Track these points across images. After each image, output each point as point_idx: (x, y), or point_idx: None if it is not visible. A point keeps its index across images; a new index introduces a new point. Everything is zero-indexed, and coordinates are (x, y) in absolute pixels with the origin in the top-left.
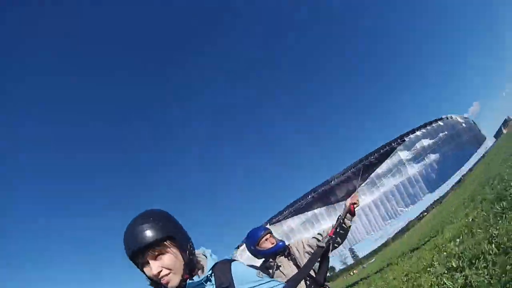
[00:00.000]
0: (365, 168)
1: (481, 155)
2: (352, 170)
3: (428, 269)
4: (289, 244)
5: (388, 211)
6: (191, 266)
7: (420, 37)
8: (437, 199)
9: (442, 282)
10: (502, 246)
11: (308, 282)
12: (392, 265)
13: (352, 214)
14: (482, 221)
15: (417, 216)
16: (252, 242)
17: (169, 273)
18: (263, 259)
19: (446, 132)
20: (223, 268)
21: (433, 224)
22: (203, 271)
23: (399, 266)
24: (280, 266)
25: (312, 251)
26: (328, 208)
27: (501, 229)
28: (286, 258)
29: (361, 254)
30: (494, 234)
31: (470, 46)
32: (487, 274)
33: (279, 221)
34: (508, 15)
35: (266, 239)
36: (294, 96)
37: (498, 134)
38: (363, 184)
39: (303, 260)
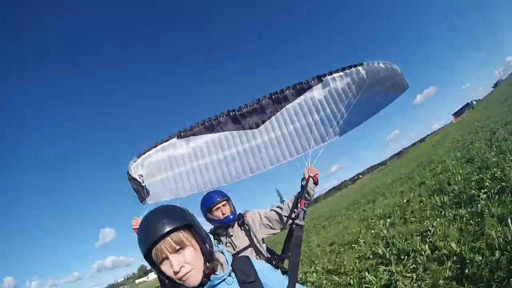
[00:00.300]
0: (278, 101)
1: (430, 132)
2: (267, 101)
3: (354, 245)
4: (244, 214)
5: (296, 147)
6: (211, 260)
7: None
8: (374, 165)
9: (364, 275)
10: (437, 251)
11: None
12: (319, 227)
13: (316, 183)
14: (418, 209)
15: (351, 178)
16: (205, 207)
17: (190, 270)
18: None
19: (365, 77)
20: (243, 263)
21: (366, 190)
22: (222, 267)
23: (325, 231)
24: (232, 235)
25: (270, 224)
26: (239, 133)
27: (438, 229)
28: (239, 228)
29: None
30: (429, 231)
31: (446, 33)
32: (415, 282)
33: (187, 136)
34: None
35: (218, 208)
36: None
37: (457, 113)
38: (273, 117)
39: (257, 232)
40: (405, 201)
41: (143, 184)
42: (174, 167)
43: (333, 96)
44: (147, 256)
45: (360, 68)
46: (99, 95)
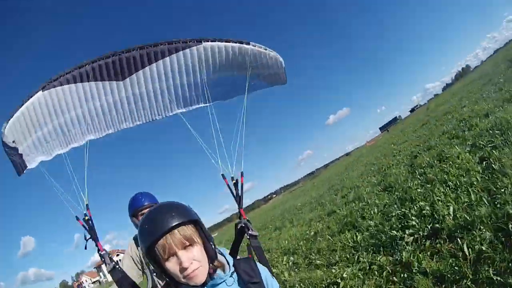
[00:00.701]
0: (151, 54)
1: (344, 154)
2: (140, 52)
3: None
4: None
5: (161, 107)
6: (215, 259)
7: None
8: (287, 185)
9: None
10: None
11: None
12: None
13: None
14: (326, 248)
15: (264, 197)
16: (130, 210)
17: (199, 267)
18: None
19: (249, 56)
20: (247, 264)
21: (276, 214)
22: (223, 267)
23: None
24: None
25: None
26: (104, 84)
27: (350, 283)
28: None
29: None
30: (337, 284)
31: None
32: None
33: (52, 87)
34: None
35: (143, 214)
36: None
37: (383, 128)
38: (141, 71)
39: None
40: (312, 233)
41: (20, 152)
42: (42, 125)
43: (208, 63)
44: (149, 250)
45: (247, 46)
46: None
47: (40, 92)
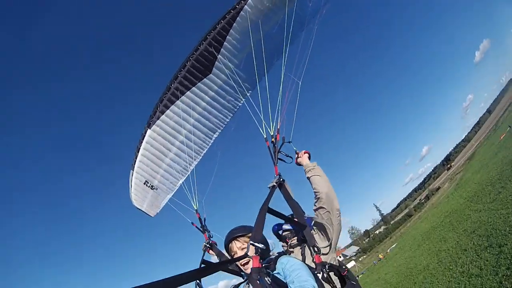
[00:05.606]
0: (216, 40)
1: (501, 88)
2: (204, 45)
3: None
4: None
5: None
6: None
7: None
8: (460, 143)
9: None
10: None
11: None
12: None
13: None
14: None
15: (442, 162)
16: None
17: (248, 262)
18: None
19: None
20: (274, 260)
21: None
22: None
23: None
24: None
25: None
26: (198, 85)
27: None
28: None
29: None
30: None
31: None
32: None
33: (155, 122)
34: None
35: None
36: None
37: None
38: (217, 60)
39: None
40: None
41: (156, 194)
42: (163, 158)
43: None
44: (226, 248)
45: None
46: None
47: (149, 131)
